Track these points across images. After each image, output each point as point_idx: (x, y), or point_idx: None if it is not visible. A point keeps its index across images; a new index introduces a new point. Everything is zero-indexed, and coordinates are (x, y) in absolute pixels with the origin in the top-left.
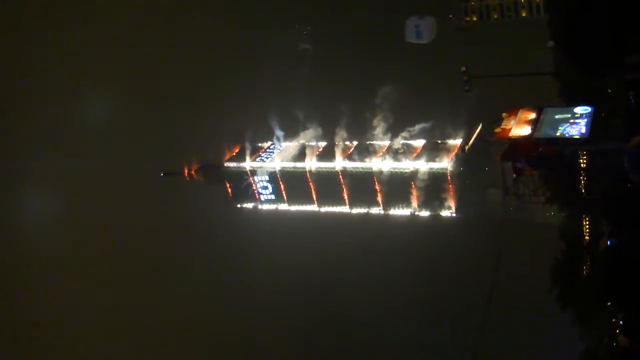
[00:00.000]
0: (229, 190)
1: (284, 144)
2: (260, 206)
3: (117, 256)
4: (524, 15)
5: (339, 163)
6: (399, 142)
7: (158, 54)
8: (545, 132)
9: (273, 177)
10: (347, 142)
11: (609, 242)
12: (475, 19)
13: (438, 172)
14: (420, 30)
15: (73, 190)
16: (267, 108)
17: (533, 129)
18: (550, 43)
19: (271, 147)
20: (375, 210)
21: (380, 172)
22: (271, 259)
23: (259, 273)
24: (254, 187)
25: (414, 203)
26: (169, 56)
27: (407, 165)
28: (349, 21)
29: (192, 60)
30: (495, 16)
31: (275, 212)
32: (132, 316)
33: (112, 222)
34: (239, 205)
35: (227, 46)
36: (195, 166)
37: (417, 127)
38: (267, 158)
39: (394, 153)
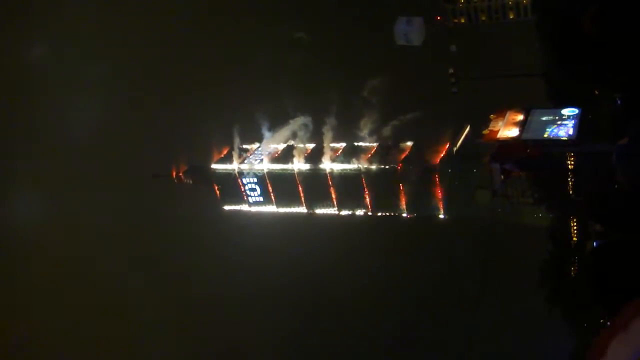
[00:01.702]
0: (217, 192)
1: (272, 146)
2: (248, 208)
3: (106, 257)
4: (511, 17)
5: (327, 164)
6: (386, 143)
7: (144, 54)
8: (533, 133)
9: (261, 179)
10: (335, 144)
11: (595, 243)
12: (463, 20)
13: (429, 174)
14: (409, 35)
15: (60, 192)
16: (256, 107)
17: (521, 131)
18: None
19: (259, 149)
20: (363, 211)
21: (368, 174)
22: (264, 259)
23: (252, 275)
24: (243, 189)
25: (402, 204)
26: (156, 57)
27: (395, 166)
28: (338, 21)
29: (179, 61)
30: (484, 18)
31: (264, 213)
32: (120, 317)
33: (101, 224)
34: (227, 207)
35: (217, 44)
36: (183, 168)
37: (405, 128)
38: (255, 160)
39: (381, 154)
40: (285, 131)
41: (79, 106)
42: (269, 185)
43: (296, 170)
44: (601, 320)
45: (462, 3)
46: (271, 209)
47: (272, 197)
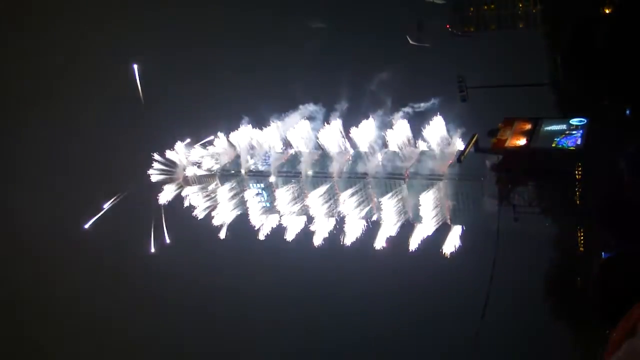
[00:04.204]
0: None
1: (279, 152)
2: (256, 214)
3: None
4: (521, 26)
5: (335, 170)
6: (395, 150)
7: (147, 42)
8: (541, 143)
9: (268, 184)
10: (344, 150)
11: (603, 255)
12: (472, 29)
13: (434, 181)
14: (420, 38)
15: (57, 196)
16: (265, 99)
17: (529, 140)
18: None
19: (267, 154)
20: (370, 218)
21: (376, 180)
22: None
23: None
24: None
25: (409, 212)
26: (158, 51)
27: (402, 173)
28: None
29: (185, 58)
30: (493, 27)
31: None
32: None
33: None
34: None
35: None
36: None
37: (414, 136)
38: (262, 165)
39: (390, 161)
40: (294, 117)
41: (76, 106)
42: (275, 191)
43: (303, 176)
44: (607, 332)
45: (471, 12)
46: (277, 215)
47: (280, 204)
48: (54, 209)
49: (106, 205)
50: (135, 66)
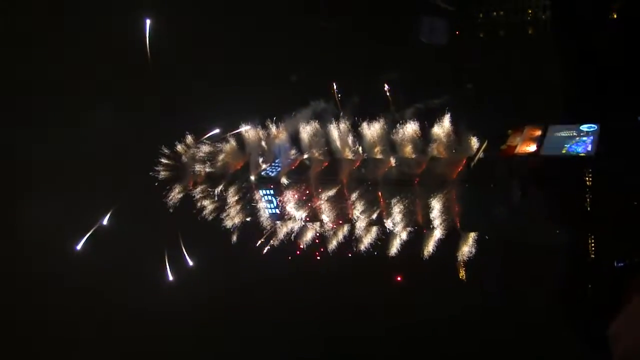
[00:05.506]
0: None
1: (290, 159)
2: (265, 219)
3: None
4: (530, 32)
5: (345, 176)
6: (405, 155)
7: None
8: (551, 149)
9: (278, 190)
10: (353, 156)
11: (616, 263)
12: (482, 35)
13: (444, 187)
14: (431, 36)
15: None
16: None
17: (539, 146)
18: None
19: (276, 160)
20: (380, 226)
21: (386, 187)
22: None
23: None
24: (260, 201)
25: (419, 218)
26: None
27: (412, 179)
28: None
29: (188, 59)
30: (502, 33)
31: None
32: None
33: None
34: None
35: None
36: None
37: (423, 142)
38: (272, 172)
39: (400, 166)
40: (305, 118)
41: (78, 105)
42: (285, 197)
43: (313, 181)
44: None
45: (480, 18)
46: (287, 221)
47: (289, 210)
48: (31, 223)
49: (105, 221)
50: (148, 21)
